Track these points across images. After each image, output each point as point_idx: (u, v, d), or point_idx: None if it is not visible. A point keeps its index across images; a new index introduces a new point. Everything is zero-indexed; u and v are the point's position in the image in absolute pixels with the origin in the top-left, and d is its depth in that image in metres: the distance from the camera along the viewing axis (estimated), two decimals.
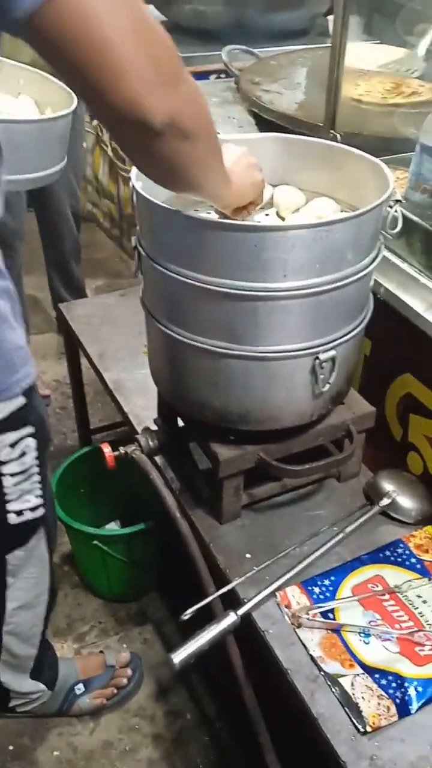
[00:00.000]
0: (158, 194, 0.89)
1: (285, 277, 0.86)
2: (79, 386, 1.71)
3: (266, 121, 1.50)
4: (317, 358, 0.95)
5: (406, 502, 1.13)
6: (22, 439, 0.90)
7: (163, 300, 0.98)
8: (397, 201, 0.93)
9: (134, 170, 0.92)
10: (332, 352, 0.95)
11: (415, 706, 0.85)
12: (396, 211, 0.93)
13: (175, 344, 0.97)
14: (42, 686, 1.25)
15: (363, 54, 1.64)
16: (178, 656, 0.90)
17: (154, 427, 1.18)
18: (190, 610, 0.97)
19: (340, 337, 0.96)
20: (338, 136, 1.18)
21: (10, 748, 1.35)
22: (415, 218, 1.03)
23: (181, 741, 1.36)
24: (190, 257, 0.88)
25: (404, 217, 0.95)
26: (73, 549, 1.62)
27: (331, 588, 1.00)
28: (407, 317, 1.06)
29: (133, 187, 0.90)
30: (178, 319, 0.95)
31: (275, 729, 1.06)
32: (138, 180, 0.91)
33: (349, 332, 0.97)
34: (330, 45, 1.20)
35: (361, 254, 0.92)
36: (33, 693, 1.25)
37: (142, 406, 1.33)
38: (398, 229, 0.94)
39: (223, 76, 1.97)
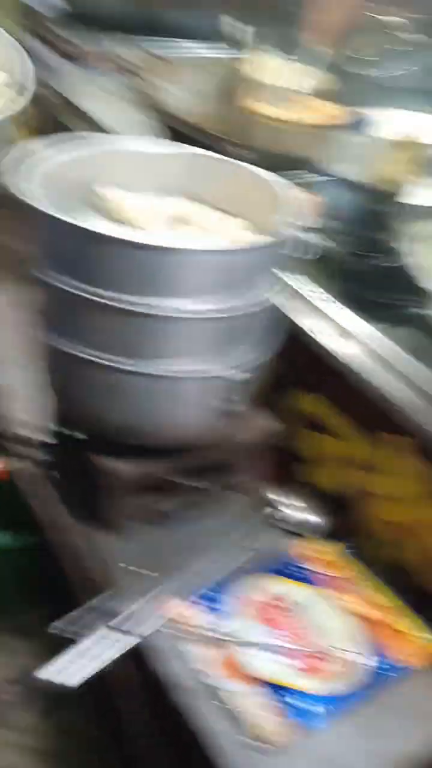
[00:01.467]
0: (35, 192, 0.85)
1: (190, 299, 0.85)
2: None
3: (168, 126, 1.47)
4: (221, 378, 0.95)
5: (299, 514, 1.16)
6: None
7: (53, 310, 0.94)
8: (310, 228, 0.95)
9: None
10: (242, 375, 0.96)
11: (315, 722, 0.86)
12: (308, 238, 0.95)
13: (68, 357, 0.93)
14: None
15: (283, 71, 1.63)
16: (46, 672, 0.86)
17: (45, 437, 1.14)
18: (64, 625, 0.92)
19: (249, 361, 0.97)
20: (246, 153, 1.18)
21: None
22: (326, 245, 1.06)
23: (68, 758, 1.32)
24: (84, 269, 0.85)
25: (317, 245, 0.98)
26: None
27: (218, 600, 0.99)
28: (312, 341, 1.09)
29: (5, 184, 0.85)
30: (69, 330, 0.92)
31: (167, 744, 1.05)
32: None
33: (256, 355, 0.98)
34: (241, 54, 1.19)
35: (269, 280, 0.93)
36: None
37: (32, 414, 1.26)
38: (313, 256, 0.96)
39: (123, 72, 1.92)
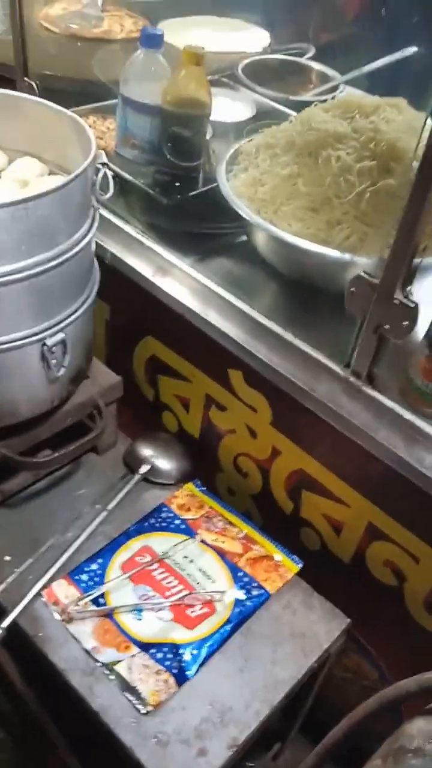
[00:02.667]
0: None
1: None
2: None
3: None
4: (45, 343, 0.87)
5: (165, 464, 1.13)
6: None
7: None
8: (104, 164, 0.86)
9: None
10: (60, 335, 0.89)
11: (192, 670, 0.88)
12: (104, 173, 0.86)
13: None
14: None
15: None
16: None
17: None
18: None
19: (67, 317, 0.90)
20: (34, 84, 1.06)
21: None
22: (128, 177, 0.98)
23: None
24: None
25: (118, 177, 0.90)
26: None
27: (99, 572, 0.97)
28: (138, 282, 1.02)
29: None
30: None
31: (70, 723, 1.03)
32: None
33: (76, 310, 0.91)
34: None
35: (73, 227, 0.85)
36: None
37: None
38: (110, 193, 0.88)
39: None
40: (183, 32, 0.99)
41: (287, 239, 0.89)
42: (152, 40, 0.94)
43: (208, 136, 0.95)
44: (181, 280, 0.98)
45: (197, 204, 0.96)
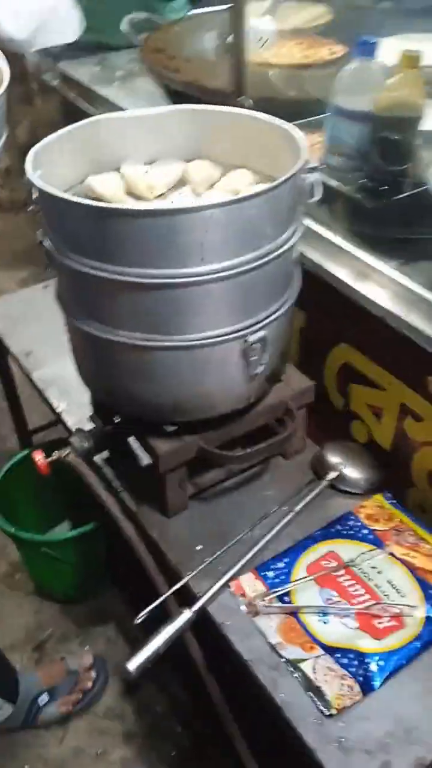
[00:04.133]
0: (62, 182, 0.83)
1: (202, 261, 0.82)
2: (10, 387, 1.63)
3: (175, 92, 1.44)
4: (246, 340, 0.91)
5: (354, 472, 1.11)
6: None
7: (78, 296, 0.92)
8: (313, 168, 0.89)
9: (29, 158, 0.85)
10: (262, 333, 0.92)
11: (378, 681, 0.85)
12: (314, 178, 0.89)
13: (96, 341, 0.91)
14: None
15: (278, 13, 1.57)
16: (134, 664, 0.87)
17: (90, 426, 1.13)
18: (142, 614, 0.93)
19: (268, 316, 0.93)
20: (248, 102, 1.12)
21: None
22: (334, 184, 1.00)
23: (153, 735, 1.34)
24: (100, 249, 0.82)
25: (324, 184, 0.92)
26: (21, 556, 1.56)
27: (285, 570, 0.98)
28: (337, 287, 1.03)
29: (29, 178, 0.83)
30: (96, 314, 0.90)
31: (245, 717, 1.04)
32: (36, 169, 0.85)
33: (277, 310, 0.94)
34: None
35: (281, 228, 0.88)
36: None
37: (76, 404, 1.27)
38: (317, 197, 0.90)
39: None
40: (395, 46, 1.00)
41: None
42: (367, 49, 0.96)
43: (418, 143, 0.95)
44: (382, 284, 0.97)
45: (403, 208, 0.95)
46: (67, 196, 0.82)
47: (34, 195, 0.85)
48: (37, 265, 2.68)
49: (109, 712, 1.37)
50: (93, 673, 1.38)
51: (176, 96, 1.42)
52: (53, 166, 0.90)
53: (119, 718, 1.37)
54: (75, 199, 0.81)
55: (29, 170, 0.84)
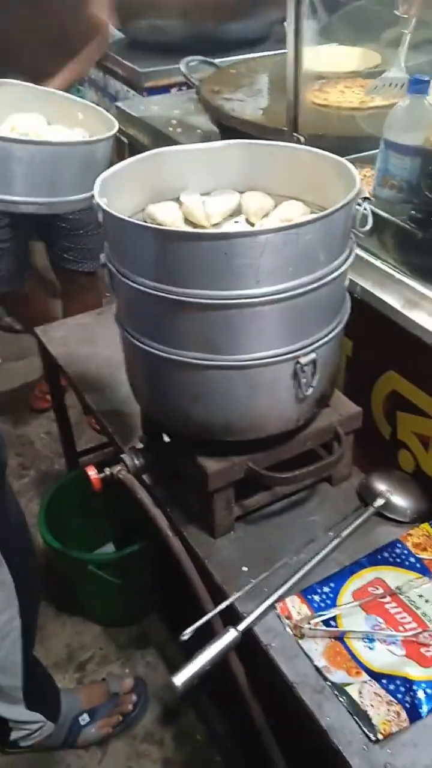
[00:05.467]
0: (124, 209, 0.87)
1: (258, 283, 0.85)
2: (62, 409, 1.69)
3: (230, 129, 1.50)
4: (298, 362, 0.93)
5: (401, 501, 1.11)
6: None
7: (136, 315, 0.96)
8: (365, 198, 0.92)
9: (97, 186, 0.91)
10: (312, 355, 0.94)
11: (425, 709, 0.83)
12: (365, 208, 0.92)
13: (152, 359, 0.95)
14: (40, 717, 1.22)
15: (324, 56, 1.64)
16: (180, 679, 0.88)
17: (140, 445, 1.16)
18: (188, 630, 0.94)
19: (319, 339, 0.95)
20: (302, 138, 1.17)
21: None
22: (385, 215, 1.03)
23: (192, 763, 1.33)
24: (161, 270, 0.86)
25: (374, 214, 0.95)
26: (67, 576, 1.59)
27: (331, 595, 0.98)
28: (386, 315, 1.05)
29: (98, 203, 0.89)
30: (154, 333, 0.94)
31: (286, 742, 1.03)
32: (102, 196, 0.90)
33: (328, 334, 0.96)
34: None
35: (333, 255, 0.91)
36: (31, 723, 1.22)
37: (127, 425, 1.30)
38: (368, 226, 0.93)
39: (184, 88, 1.98)
40: None
41: None
42: (420, 86, 1.00)
43: None
44: (428, 313, 0.99)
45: None
46: (135, 220, 0.87)
47: (100, 218, 0.89)
48: None
49: (148, 737, 1.37)
50: (134, 696, 1.38)
51: (230, 132, 1.48)
52: (117, 193, 0.95)
53: (158, 744, 1.36)
54: (142, 223, 0.86)
55: (97, 196, 0.89)
